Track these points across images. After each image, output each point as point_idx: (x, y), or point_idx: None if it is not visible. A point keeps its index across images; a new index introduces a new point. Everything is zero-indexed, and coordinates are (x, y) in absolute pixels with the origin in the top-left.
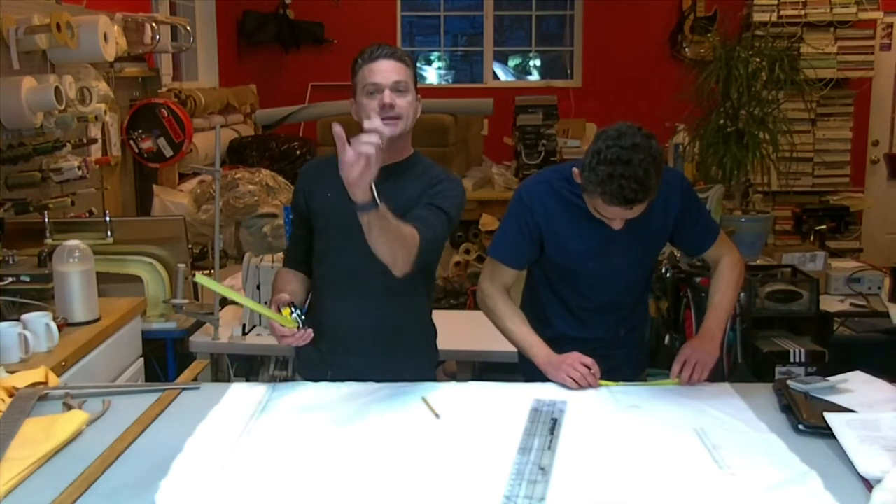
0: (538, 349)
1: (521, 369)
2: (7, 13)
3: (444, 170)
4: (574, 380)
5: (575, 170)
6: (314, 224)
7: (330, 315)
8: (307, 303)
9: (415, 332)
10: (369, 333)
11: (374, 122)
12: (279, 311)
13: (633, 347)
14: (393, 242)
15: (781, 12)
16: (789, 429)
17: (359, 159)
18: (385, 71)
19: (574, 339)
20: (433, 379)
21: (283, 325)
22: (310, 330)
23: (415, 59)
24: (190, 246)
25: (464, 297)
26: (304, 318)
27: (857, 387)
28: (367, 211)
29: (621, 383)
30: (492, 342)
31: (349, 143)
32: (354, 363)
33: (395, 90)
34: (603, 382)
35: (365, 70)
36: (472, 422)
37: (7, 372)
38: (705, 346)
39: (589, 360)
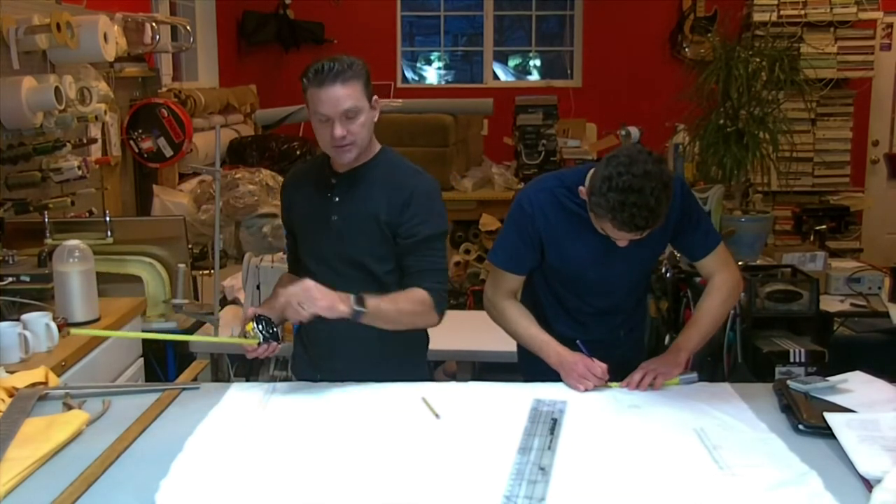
0: (549, 349)
1: (521, 369)
2: (7, 13)
3: (409, 168)
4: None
5: (581, 189)
6: (296, 232)
7: (317, 319)
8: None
9: (401, 337)
10: (353, 338)
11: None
12: (244, 327)
13: (632, 347)
14: (402, 321)
15: (781, 12)
16: (789, 429)
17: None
18: (332, 100)
19: (573, 341)
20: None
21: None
22: (274, 343)
23: (366, 72)
24: (190, 246)
25: (464, 297)
26: (273, 330)
27: (857, 387)
28: (358, 318)
29: (620, 384)
30: (492, 342)
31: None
32: (341, 367)
33: (344, 118)
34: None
35: (311, 94)
36: (472, 422)
37: (7, 372)
38: (667, 360)
39: (598, 370)
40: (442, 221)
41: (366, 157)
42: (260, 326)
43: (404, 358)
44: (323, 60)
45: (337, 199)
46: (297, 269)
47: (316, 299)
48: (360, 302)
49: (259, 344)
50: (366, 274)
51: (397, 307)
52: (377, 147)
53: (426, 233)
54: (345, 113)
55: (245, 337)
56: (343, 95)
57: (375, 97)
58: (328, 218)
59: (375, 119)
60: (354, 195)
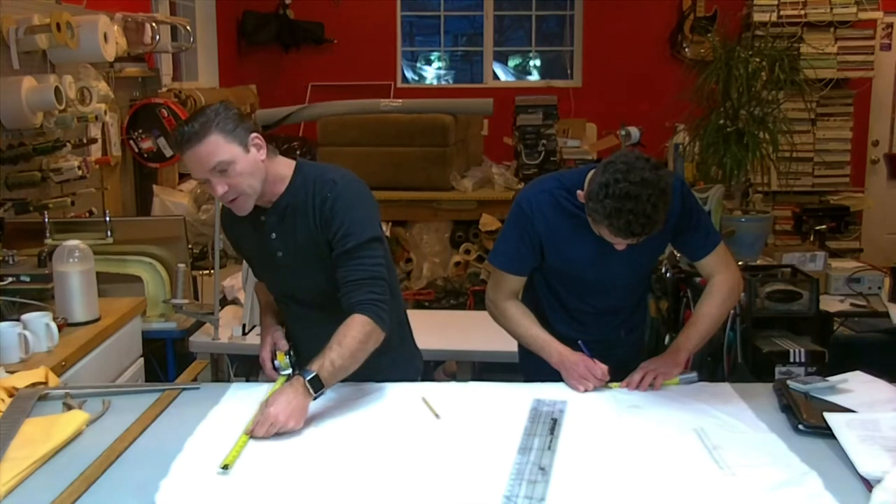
0: (550, 349)
1: (521, 369)
2: (7, 13)
3: (326, 178)
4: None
5: (579, 192)
6: (251, 267)
7: (297, 341)
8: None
9: (386, 336)
10: None
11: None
12: (275, 354)
13: (632, 347)
14: (359, 358)
15: (781, 12)
16: (789, 429)
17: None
18: (196, 164)
19: (574, 341)
20: (419, 369)
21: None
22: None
23: (229, 117)
24: (190, 246)
25: (464, 297)
26: (295, 357)
27: (857, 387)
28: (323, 388)
29: (620, 384)
30: (492, 342)
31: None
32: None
33: (218, 174)
34: None
35: (184, 160)
36: (472, 422)
37: (7, 372)
38: (667, 361)
39: (599, 371)
40: (368, 227)
41: (280, 188)
42: (290, 354)
43: (394, 364)
44: (179, 124)
45: (274, 235)
46: None
47: (287, 425)
48: (317, 386)
49: (290, 375)
50: (335, 301)
51: (349, 352)
52: (289, 171)
53: (353, 242)
54: (215, 169)
55: (275, 367)
56: (204, 154)
57: (253, 135)
58: (274, 256)
59: (263, 157)
60: (287, 228)
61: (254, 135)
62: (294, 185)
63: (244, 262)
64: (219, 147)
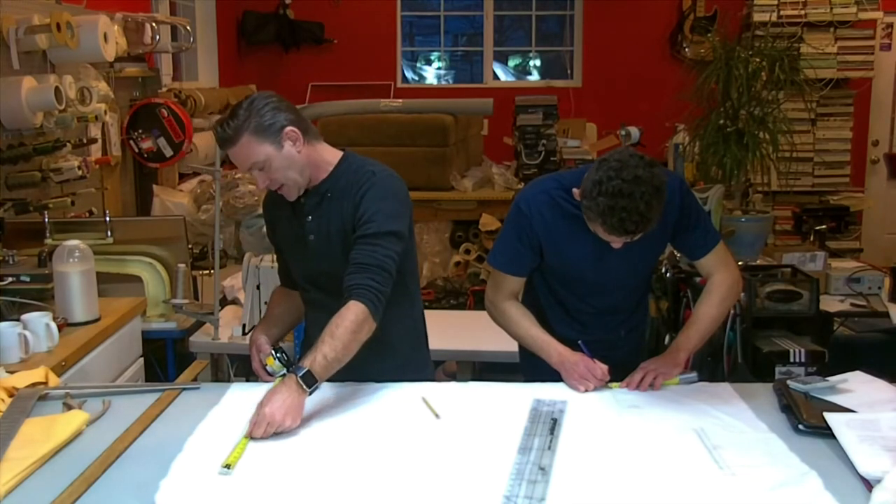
0: (550, 349)
1: (521, 369)
2: (7, 13)
3: (367, 170)
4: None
5: (575, 190)
6: (282, 251)
7: (312, 327)
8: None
9: (393, 340)
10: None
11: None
12: (263, 361)
13: (633, 347)
14: (352, 349)
15: (781, 12)
16: (789, 429)
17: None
18: (237, 161)
19: (574, 342)
20: (429, 380)
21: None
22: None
23: (258, 117)
24: (190, 246)
25: (464, 297)
26: (287, 357)
27: (857, 387)
28: (317, 383)
29: (620, 384)
30: (492, 342)
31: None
32: (338, 373)
33: (258, 170)
34: None
35: None
36: (472, 422)
37: (7, 372)
38: (667, 361)
39: (599, 371)
40: (393, 220)
41: (323, 174)
42: (279, 355)
43: (403, 361)
44: (217, 122)
45: (310, 217)
46: (289, 282)
47: (284, 423)
48: (310, 381)
49: (283, 376)
50: None
51: (341, 344)
52: (334, 158)
53: (373, 230)
54: (253, 167)
55: (266, 370)
56: (241, 157)
57: (288, 129)
58: (305, 238)
59: (299, 149)
60: (323, 212)
61: (288, 129)
62: (337, 172)
63: (244, 261)
64: (251, 150)
